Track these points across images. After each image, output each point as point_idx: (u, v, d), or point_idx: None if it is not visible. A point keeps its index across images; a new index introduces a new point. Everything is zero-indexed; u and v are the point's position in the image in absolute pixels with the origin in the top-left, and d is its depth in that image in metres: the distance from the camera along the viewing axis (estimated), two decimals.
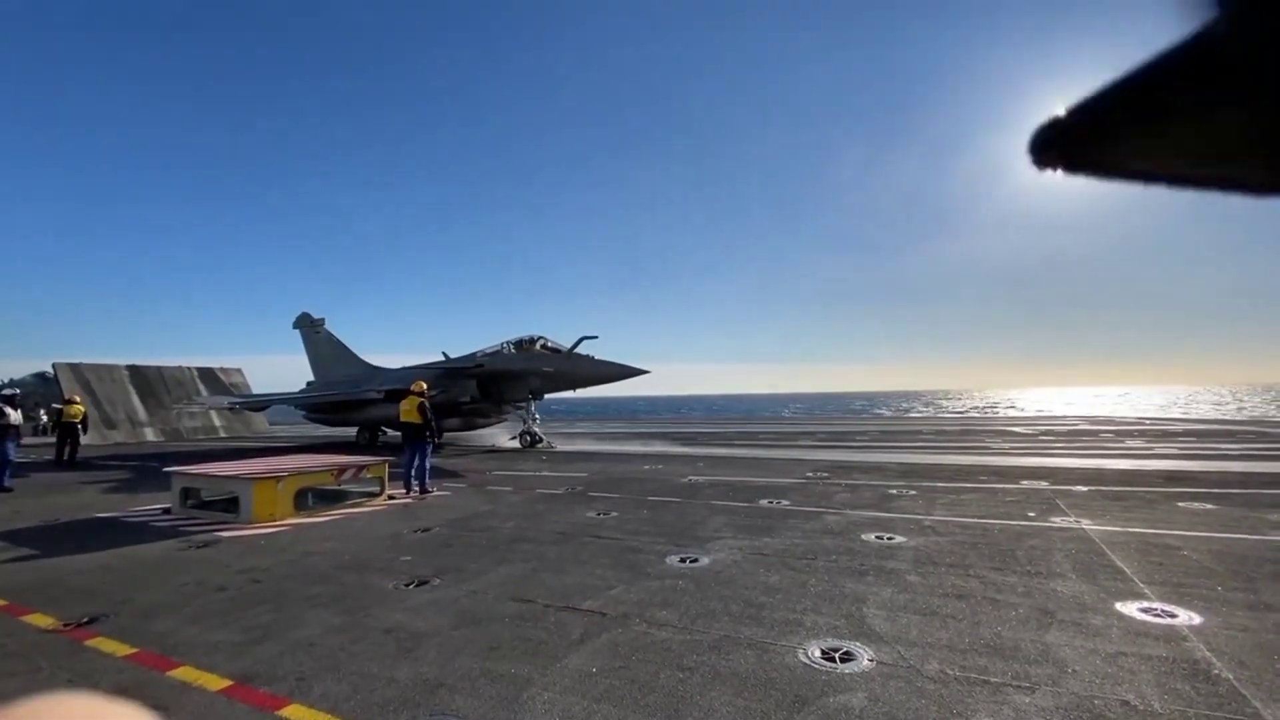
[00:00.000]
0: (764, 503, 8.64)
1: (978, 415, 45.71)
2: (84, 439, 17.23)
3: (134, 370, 26.67)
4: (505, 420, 21.81)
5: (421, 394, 10.73)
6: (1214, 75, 0.26)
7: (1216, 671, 3.33)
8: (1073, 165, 0.33)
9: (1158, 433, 19.51)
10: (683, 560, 5.80)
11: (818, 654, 3.67)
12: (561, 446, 18.08)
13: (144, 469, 14.54)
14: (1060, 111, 0.33)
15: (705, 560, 5.78)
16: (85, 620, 4.55)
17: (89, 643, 4.16)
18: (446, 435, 20.30)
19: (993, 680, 3.31)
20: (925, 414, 54.34)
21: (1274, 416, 40.54)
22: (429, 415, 10.45)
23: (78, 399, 17.84)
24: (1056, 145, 0.34)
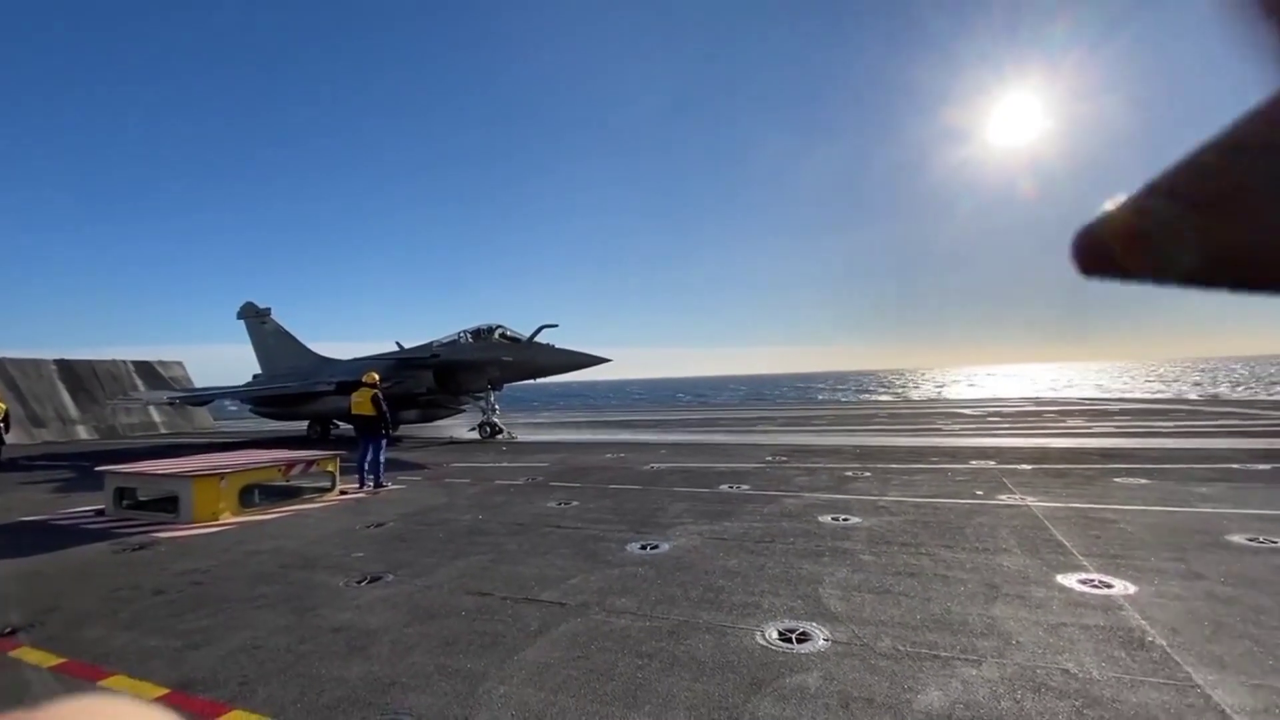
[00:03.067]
0: (724, 488, 8.72)
1: (920, 400, 47.26)
2: (8, 438, 16.22)
3: (62, 364, 25.14)
4: (464, 411, 21.44)
5: (374, 385, 10.41)
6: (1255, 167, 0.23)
7: (1150, 639, 3.49)
8: (1118, 271, 0.30)
9: (1097, 412, 20.51)
10: (643, 547, 5.79)
11: (775, 635, 3.70)
12: (522, 437, 17.89)
13: (75, 468, 13.73)
14: (1100, 215, 0.29)
15: (665, 546, 5.78)
16: (8, 630, 4.27)
17: (12, 654, 3.91)
18: (404, 427, 19.84)
19: (942, 654, 3.39)
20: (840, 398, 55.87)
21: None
22: (383, 407, 10.15)
23: None
24: (1100, 251, 0.30)
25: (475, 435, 18.03)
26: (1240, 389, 50.51)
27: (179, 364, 30.03)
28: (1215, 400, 29.29)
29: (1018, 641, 3.52)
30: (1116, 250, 0.29)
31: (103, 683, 3.49)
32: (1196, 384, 63.49)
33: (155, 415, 26.76)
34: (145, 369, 28.28)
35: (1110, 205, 0.29)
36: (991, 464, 10.05)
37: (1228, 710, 2.75)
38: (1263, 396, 34.69)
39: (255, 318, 24.64)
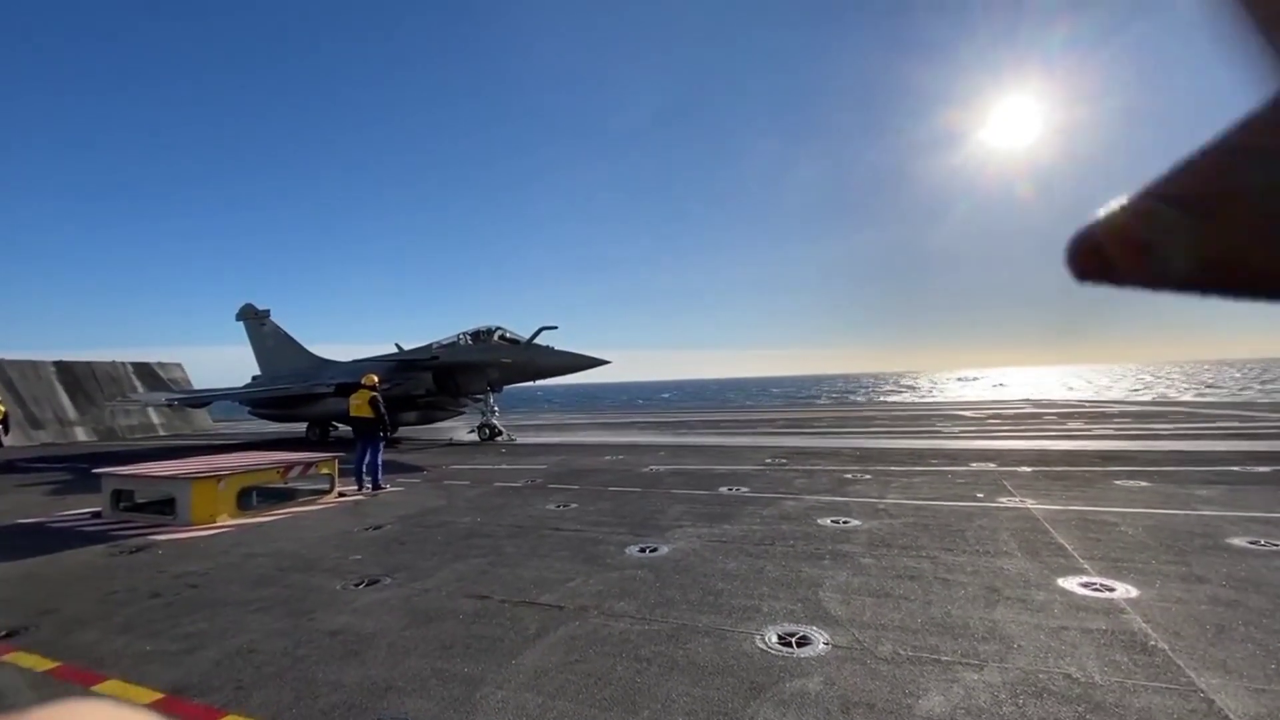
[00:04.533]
0: (724, 490, 8.69)
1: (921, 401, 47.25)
2: (6, 440, 16.20)
3: (61, 366, 25.10)
4: (463, 413, 21.41)
5: (373, 387, 10.39)
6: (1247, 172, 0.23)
7: (1152, 642, 3.46)
8: (1114, 276, 0.28)
9: (1096, 414, 20.48)
10: (642, 550, 5.76)
11: (774, 639, 3.68)
12: (522, 439, 17.84)
13: (73, 470, 13.70)
14: (1096, 220, 0.28)
15: (665, 549, 5.76)
16: (3, 634, 4.24)
17: (6, 658, 3.88)
18: (403, 429, 19.80)
19: (943, 659, 3.37)
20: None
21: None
22: (381, 409, 10.14)
23: None
24: (1095, 256, 0.29)
25: (474, 437, 18.00)
26: (1206, 391, 50.98)
27: (178, 365, 30.02)
28: (1208, 403, 29.28)
29: (1019, 645, 3.50)
30: (1112, 255, 0.28)
31: (97, 687, 3.45)
32: (1166, 387, 64.13)
33: (154, 417, 26.73)
34: (144, 370, 28.25)
35: (1105, 210, 0.28)
36: (991, 466, 10.03)
37: (1231, 715, 2.73)
38: (1210, 398, 35.18)
39: (254, 319, 24.60)
